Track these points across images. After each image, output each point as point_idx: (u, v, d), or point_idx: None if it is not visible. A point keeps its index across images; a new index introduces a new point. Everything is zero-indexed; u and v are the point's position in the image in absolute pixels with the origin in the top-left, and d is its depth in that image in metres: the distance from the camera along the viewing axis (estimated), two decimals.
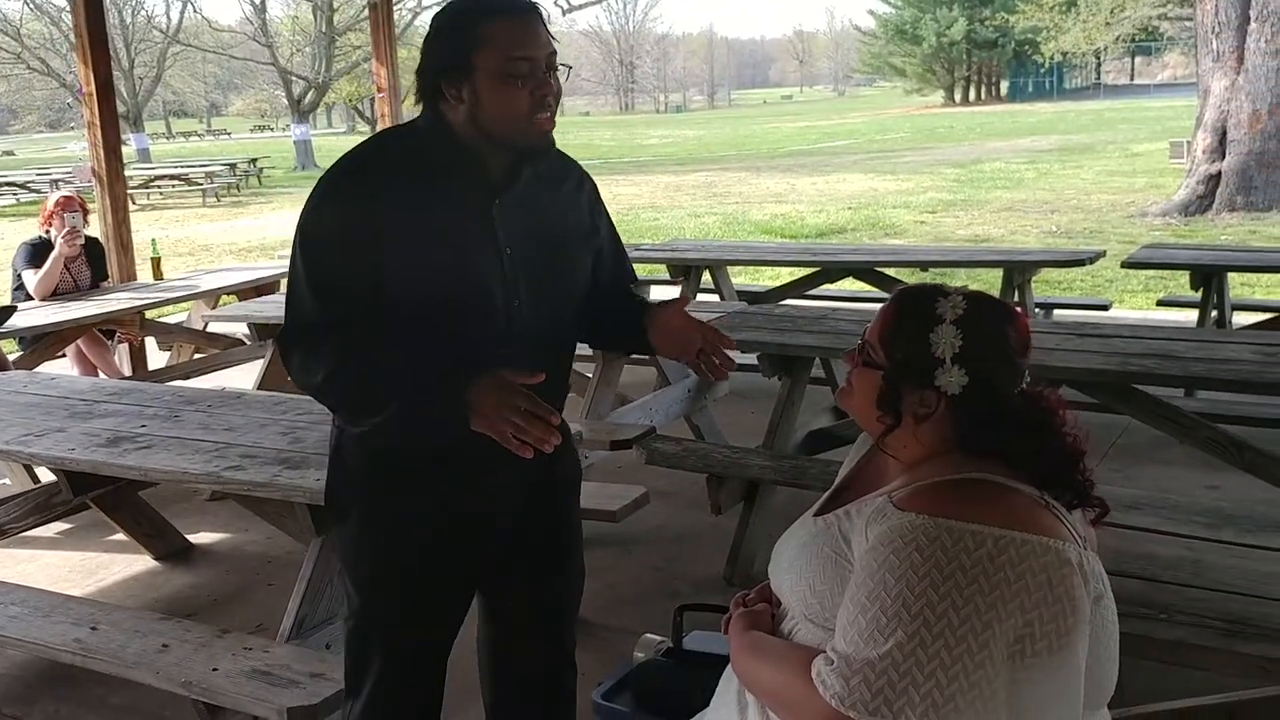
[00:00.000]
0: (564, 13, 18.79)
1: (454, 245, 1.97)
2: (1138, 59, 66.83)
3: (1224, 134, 12.87)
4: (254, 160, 28.66)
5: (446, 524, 2.10)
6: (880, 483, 1.73)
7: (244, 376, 6.48)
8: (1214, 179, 12.99)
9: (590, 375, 4.90)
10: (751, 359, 4.62)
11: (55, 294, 6.10)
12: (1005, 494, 1.53)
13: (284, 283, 5.10)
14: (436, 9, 2.06)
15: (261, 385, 5.61)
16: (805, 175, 22.63)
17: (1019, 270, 6.15)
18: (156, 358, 7.20)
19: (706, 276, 7.16)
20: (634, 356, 5.07)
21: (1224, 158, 12.88)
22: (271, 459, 2.97)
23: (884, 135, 36.10)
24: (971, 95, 61.44)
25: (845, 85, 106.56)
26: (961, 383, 1.58)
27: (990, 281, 7.98)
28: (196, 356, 6.81)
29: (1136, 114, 37.30)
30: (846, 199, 17.62)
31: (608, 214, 2.31)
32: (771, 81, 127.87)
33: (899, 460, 1.67)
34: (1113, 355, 3.74)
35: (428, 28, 2.02)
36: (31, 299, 6.05)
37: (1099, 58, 56.50)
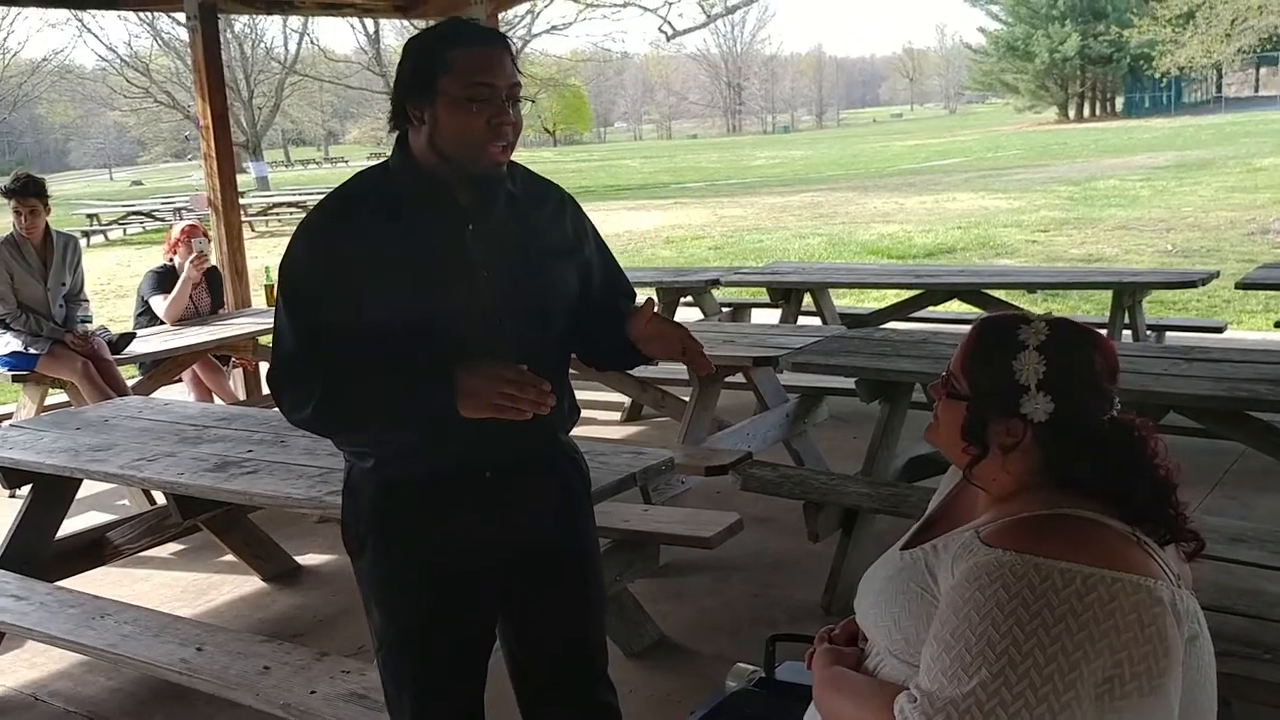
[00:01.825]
0: (668, 38, 18.85)
1: (430, 273, 2.02)
2: (1263, 70, 64.52)
3: None
4: None
5: (452, 553, 2.12)
6: (969, 517, 1.70)
7: None
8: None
9: (687, 399, 4.90)
10: (850, 382, 4.56)
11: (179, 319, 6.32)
12: (1095, 530, 1.49)
13: None
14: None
15: None
16: (914, 194, 22.35)
17: (1129, 292, 5.99)
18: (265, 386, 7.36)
19: (808, 300, 7.11)
20: (728, 380, 5.07)
21: None
22: None
23: (996, 153, 35.48)
24: (1086, 111, 60.06)
25: (956, 102, 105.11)
26: (1048, 410, 1.55)
27: (1101, 302, 7.79)
28: None
29: (1260, 127, 36.02)
30: (956, 218, 17.32)
31: (596, 232, 2.33)
32: (881, 100, 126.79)
33: (988, 492, 1.64)
34: (1222, 380, 3.61)
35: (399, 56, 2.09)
36: (153, 325, 6.29)
37: (1220, 70, 54.76)
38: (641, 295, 2.30)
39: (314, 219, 2.10)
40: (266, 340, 7.07)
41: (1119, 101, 61.13)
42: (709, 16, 18.12)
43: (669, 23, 16.70)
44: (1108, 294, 6.34)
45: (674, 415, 5.17)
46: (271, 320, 2.14)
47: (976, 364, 1.65)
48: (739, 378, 5.09)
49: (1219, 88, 61.95)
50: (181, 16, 7.90)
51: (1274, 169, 21.14)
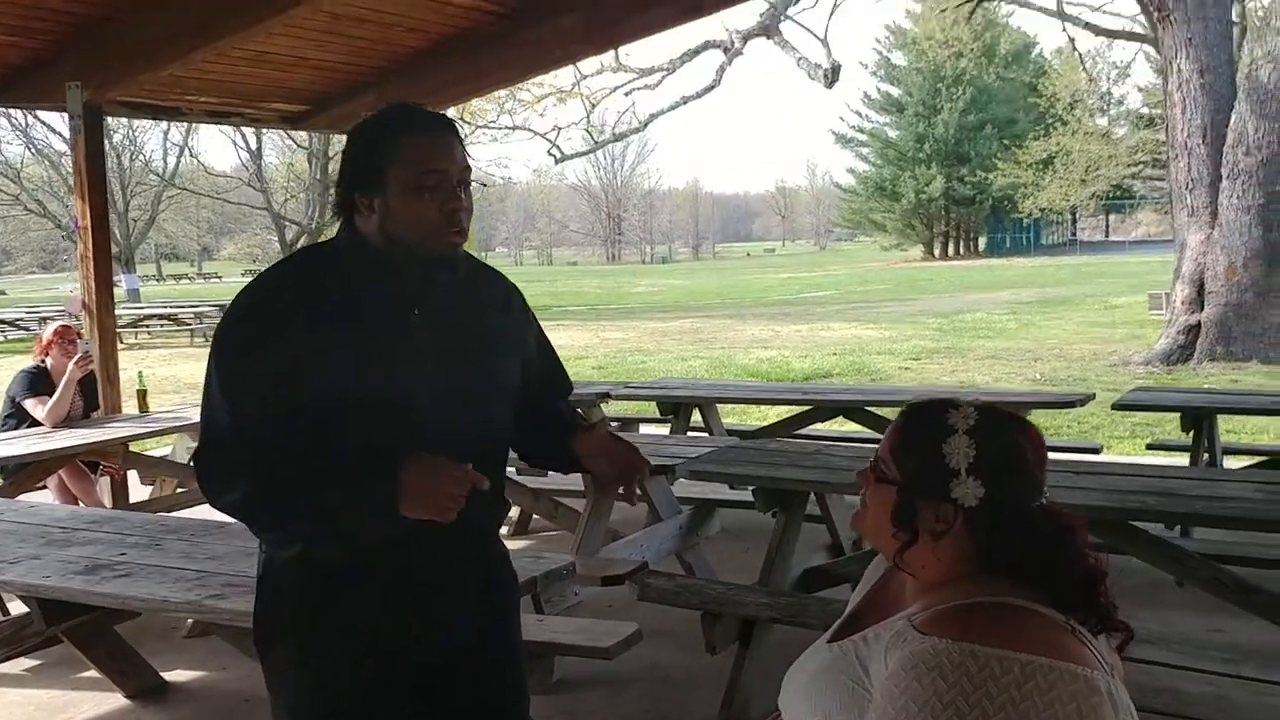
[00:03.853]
0: (556, 161, 19.20)
1: (371, 356, 1.96)
2: (1112, 216, 68.54)
3: (1202, 286, 13.09)
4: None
5: (379, 648, 2.02)
6: (897, 608, 1.67)
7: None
8: (1194, 329, 13.16)
9: (581, 510, 4.83)
10: (743, 494, 4.54)
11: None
12: (1030, 618, 1.48)
13: None
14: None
15: None
16: (789, 323, 22.85)
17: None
18: (139, 492, 7.06)
19: (696, 416, 7.13)
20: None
21: (1203, 309, 13.08)
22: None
23: (865, 286, 36.63)
24: (950, 250, 62.58)
25: (826, 239, 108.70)
26: (978, 494, 1.54)
27: None
28: (179, 491, 6.69)
29: (1113, 268, 37.98)
30: (831, 345, 17.74)
31: (539, 326, 2.31)
32: (755, 235, 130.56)
33: (918, 580, 1.62)
34: (1111, 493, 3.70)
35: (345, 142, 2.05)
36: (21, 428, 5.99)
37: (1074, 215, 57.94)
38: None
39: (252, 293, 2.01)
40: (136, 447, 6.81)
41: (981, 241, 63.91)
42: (595, 142, 18.48)
43: (557, 146, 16.99)
44: None
45: (566, 528, 5.07)
46: (198, 411, 2.02)
47: (906, 448, 1.64)
48: None
49: (1074, 232, 65.48)
50: (57, 122, 7.74)
51: (1129, 306, 22.22)
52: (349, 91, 8.24)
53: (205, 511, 6.23)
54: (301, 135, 35.35)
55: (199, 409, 2.00)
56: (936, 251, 61.93)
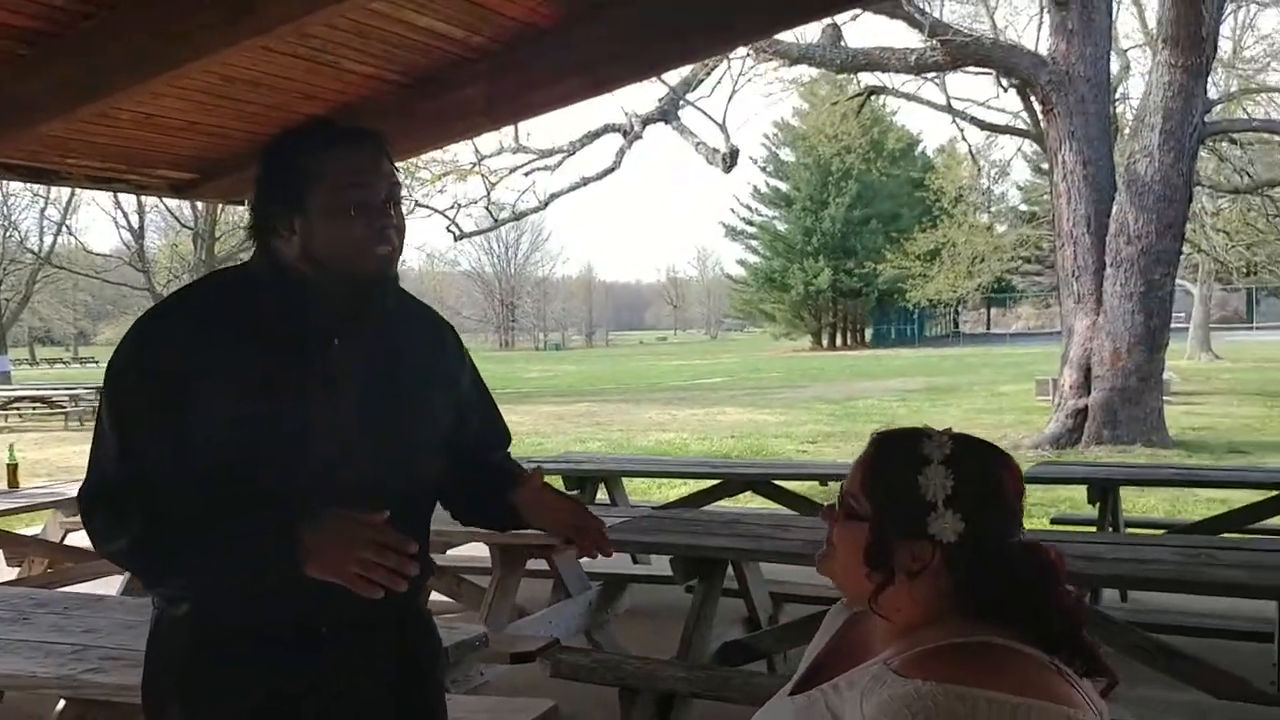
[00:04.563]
0: (456, 239, 19.08)
1: (280, 389, 1.76)
2: (993, 309, 70.81)
3: (1089, 371, 13.43)
4: None
5: (279, 714, 1.81)
6: (865, 654, 1.53)
7: (104, 590, 5.93)
8: (1081, 413, 13.46)
9: (486, 586, 4.60)
10: (652, 570, 4.38)
11: None
12: (1017, 658, 1.35)
13: None
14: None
15: (125, 595, 5.14)
16: (685, 407, 22.87)
17: None
18: (4, 573, 6.60)
19: (602, 492, 6.97)
20: (530, 566, 4.82)
21: (1090, 393, 13.40)
22: (139, 661, 2.60)
23: (758, 374, 36.97)
24: (838, 340, 63.77)
25: (717, 329, 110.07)
26: (957, 529, 1.42)
27: None
28: (49, 571, 6.26)
29: (995, 359, 38.98)
30: (728, 429, 17.76)
31: (475, 369, 2.12)
32: (646, 324, 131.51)
33: (893, 623, 1.48)
34: None
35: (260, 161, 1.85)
36: None
37: (957, 308, 59.70)
38: None
39: (152, 322, 1.81)
40: (5, 524, 6.37)
41: (868, 332, 65.34)
42: (496, 220, 18.40)
43: (456, 224, 16.87)
44: None
45: (469, 605, 4.83)
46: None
47: (877, 480, 1.52)
48: (538, 564, 4.85)
49: (956, 324, 67.39)
50: None
51: (1014, 394, 22.75)
52: (240, 160, 7.94)
53: (83, 587, 5.90)
54: (186, 214, 34.70)
55: (84, 468, 1.78)
56: (825, 341, 63.03)
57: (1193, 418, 16.20)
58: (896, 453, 1.52)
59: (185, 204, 34.04)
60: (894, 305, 58.58)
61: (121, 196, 34.85)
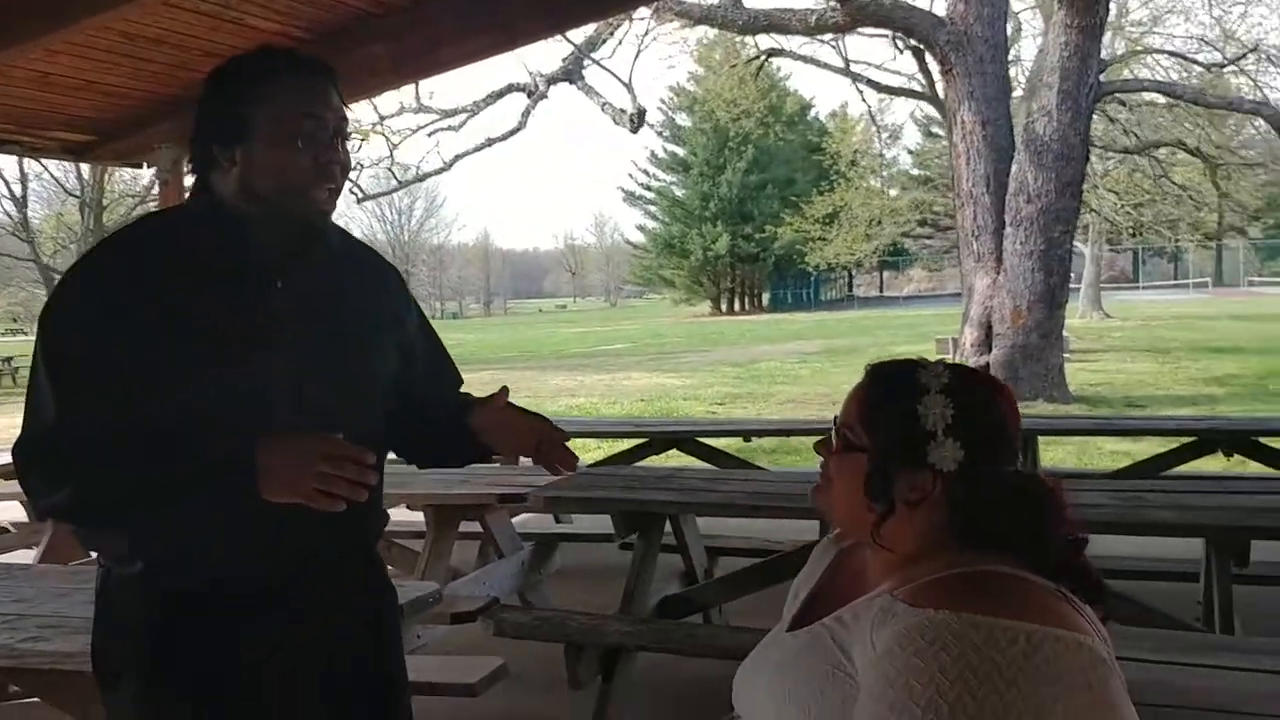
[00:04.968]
0: (359, 200, 18.71)
1: (227, 334, 1.69)
2: (886, 273, 72.07)
3: (989, 329, 13.71)
4: (9, 359, 27.04)
5: (244, 679, 1.73)
6: (860, 588, 1.51)
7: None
8: (983, 370, 13.73)
9: (418, 550, 4.53)
10: (577, 529, 4.35)
11: None
12: (1025, 586, 1.34)
13: None
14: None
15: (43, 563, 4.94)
16: (592, 373, 22.83)
17: None
18: None
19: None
20: (464, 527, 4.75)
21: (991, 351, 13.69)
22: (82, 627, 2.48)
23: (660, 339, 37.08)
24: (736, 306, 64.26)
25: (617, 296, 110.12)
26: (957, 458, 1.40)
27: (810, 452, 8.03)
28: None
29: (890, 321, 39.67)
30: (637, 393, 17.77)
31: (420, 310, 2.07)
32: (545, 292, 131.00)
33: (892, 555, 1.46)
34: None
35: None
36: None
37: (851, 273, 60.62)
38: None
39: (87, 267, 1.70)
40: None
41: (765, 297, 65.97)
42: (400, 181, 18.10)
43: (359, 186, 16.52)
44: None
45: (401, 569, 4.74)
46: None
47: (875, 411, 1.49)
48: (471, 526, 4.78)
49: (850, 288, 68.48)
50: None
51: (911, 354, 23.09)
52: (140, 121, 7.66)
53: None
54: (73, 183, 33.42)
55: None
56: (724, 307, 63.47)
57: (1089, 374, 16.67)
58: (894, 383, 1.50)
59: (71, 172, 32.82)
60: (791, 270, 59.24)
61: (2, 162, 33.43)
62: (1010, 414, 1.49)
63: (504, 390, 1.94)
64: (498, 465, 4.96)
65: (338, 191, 1.77)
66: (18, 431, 1.65)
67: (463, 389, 2.15)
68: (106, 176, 31.98)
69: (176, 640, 1.71)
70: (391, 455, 2.04)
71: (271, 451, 1.57)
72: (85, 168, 30.59)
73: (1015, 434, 1.49)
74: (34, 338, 1.70)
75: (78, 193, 33.64)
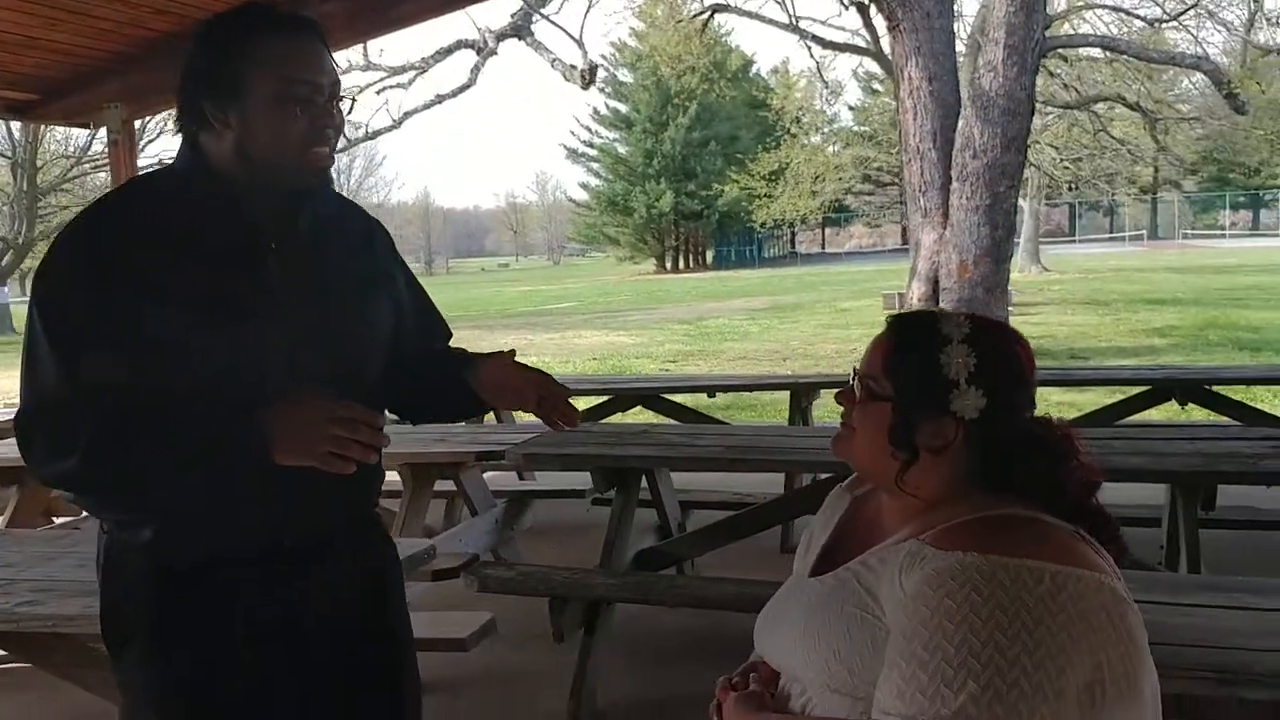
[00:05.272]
0: None
1: (223, 297, 1.68)
2: (828, 230, 72.43)
3: (936, 283, 13.85)
4: None
5: (251, 645, 1.75)
6: (880, 533, 1.56)
7: None
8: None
9: (395, 510, 4.53)
10: (542, 486, 4.36)
11: None
12: (1047, 528, 1.40)
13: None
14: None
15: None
16: (540, 332, 22.80)
17: (804, 392, 6.24)
18: None
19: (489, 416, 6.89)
20: (439, 486, 4.75)
21: (937, 305, 13.85)
22: (75, 590, 2.47)
23: (607, 298, 37.08)
24: (680, 263, 64.30)
25: (560, 254, 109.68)
26: (979, 405, 1.45)
27: (777, 406, 8.06)
28: None
29: (833, 277, 39.93)
30: (588, 351, 17.81)
31: (406, 266, 2.07)
32: (487, 251, 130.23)
33: (915, 501, 1.51)
34: None
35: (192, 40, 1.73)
36: None
37: (793, 230, 60.82)
38: None
39: (80, 231, 1.68)
40: None
41: (709, 254, 66.06)
42: (349, 140, 17.83)
43: None
44: (783, 396, 6.58)
45: None
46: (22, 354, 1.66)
47: (898, 360, 1.53)
48: (443, 485, 4.78)
49: (793, 244, 68.75)
50: None
51: (857, 310, 23.38)
52: (86, 80, 7.46)
53: None
54: (3, 143, 32.47)
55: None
56: (668, 264, 63.47)
57: (1032, 327, 16.93)
58: (917, 333, 1.54)
59: (2, 133, 31.85)
60: (734, 227, 59.36)
61: None
62: (1028, 363, 1.53)
63: (511, 351, 1.95)
64: (459, 428, 4.96)
65: (331, 156, 1.76)
66: None
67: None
68: (39, 136, 31.11)
69: (184, 603, 1.71)
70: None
71: (283, 415, 1.58)
72: (16, 127, 29.73)
73: (1032, 382, 1.53)
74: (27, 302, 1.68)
75: (9, 153, 32.67)
